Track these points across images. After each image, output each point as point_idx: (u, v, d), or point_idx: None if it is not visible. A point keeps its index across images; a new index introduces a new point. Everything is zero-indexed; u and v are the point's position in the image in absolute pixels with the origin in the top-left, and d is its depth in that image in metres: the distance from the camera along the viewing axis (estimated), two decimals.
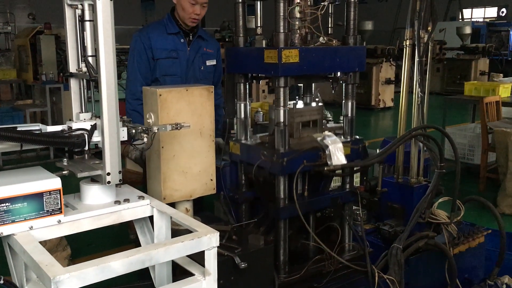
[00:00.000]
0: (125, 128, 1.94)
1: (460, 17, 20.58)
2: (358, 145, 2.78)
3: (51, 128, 1.87)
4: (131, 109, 3.19)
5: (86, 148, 1.88)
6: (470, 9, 22.29)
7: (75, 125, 1.88)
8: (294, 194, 2.50)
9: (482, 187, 5.76)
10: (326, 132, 2.65)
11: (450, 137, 3.15)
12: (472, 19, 21.29)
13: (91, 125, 1.89)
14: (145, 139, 1.95)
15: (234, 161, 2.82)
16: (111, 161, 1.87)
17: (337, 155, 2.54)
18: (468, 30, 14.41)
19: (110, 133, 1.85)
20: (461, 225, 3.26)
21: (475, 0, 21.62)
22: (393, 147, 2.79)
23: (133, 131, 1.96)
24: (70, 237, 3.61)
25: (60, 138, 1.83)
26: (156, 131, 1.98)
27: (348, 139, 2.80)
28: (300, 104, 2.83)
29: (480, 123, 5.98)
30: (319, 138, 2.60)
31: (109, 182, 1.89)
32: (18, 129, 1.72)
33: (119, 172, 1.90)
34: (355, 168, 2.82)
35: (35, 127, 1.82)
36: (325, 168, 2.54)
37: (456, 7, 20.28)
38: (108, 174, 1.88)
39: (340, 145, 2.58)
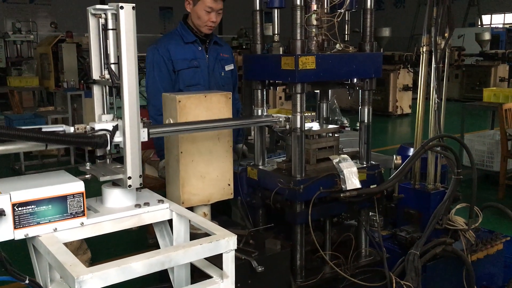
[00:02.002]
0: (146, 129, 1.99)
1: (479, 23, 20.37)
2: (374, 171, 2.80)
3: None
4: None
5: (108, 148, 1.93)
6: (489, 15, 22.05)
7: (97, 126, 1.94)
8: (310, 223, 2.53)
9: (502, 194, 5.69)
10: (343, 155, 2.69)
11: (464, 144, 3.15)
12: (492, 25, 21.05)
13: (113, 126, 1.94)
14: None
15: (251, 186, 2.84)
16: (132, 165, 1.93)
17: (352, 179, 2.58)
18: (487, 36, 14.23)
19: (132, 134, 1.90)
20: (479, 232, 3.23)
21: (494, 6, 21.37)
22: (407, 166, 2.81)
23: None
24: (90, 241, 3.70)
25: (83, 138, 1.88)
26: None
27: (364, 165, 2.82)
28: (316, 126, 2.87)
29: (499, 129, 5.92)
30: (335, 160, 2.64)
31: (130, 186, 1.94)
32: (43, 130, 1.78)
33: (140, 176, 1.95)
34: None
35: (59, 128, 1.88)
36: (341, 195, 2.57)
37: (475, 13, 20.08)
38: (129, 178, 1.93)
39: (355, 169, 2.61)
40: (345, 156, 2.69)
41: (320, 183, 2.57)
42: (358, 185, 2.59)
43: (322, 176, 2.60)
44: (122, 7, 1.83)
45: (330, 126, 2.90)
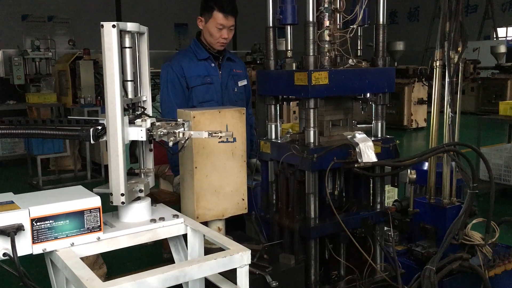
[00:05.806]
0: (140, 127, 1.90)
1: (495, 36, 20.24)
2: (389, 144, 2.75)
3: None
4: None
5: (92, 141, 1.89)
6: (505, 28, 21.89)
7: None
8: (327, 191, 2.49)
9: None
10: (357, 131, 2.63)
11: (482, 154, 3.11)
12: (507, 38, 20.89)
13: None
14: (170, 143, 1.95)
15: (264, 160, 2.83)
16: (114, 181, 1.92)
17: (368, 153, 2.51)
18: (503, 49, 14.14)
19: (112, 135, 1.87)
20: (497, 247, 3.19)
21: (510, 18, 21.24)
22: (426, 155, 2.75)
23: (161, 129, 1.92)
24: (106, 256, 3.72)
25: (65, 130, 1.88)
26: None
27: (379, 138, 2.79)
28: None
29: None
30: (349, 136, 2.58)
31: (112, 202, 1.95)
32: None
33: (122, 194, 1.92)
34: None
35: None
36: (355, 166, 2.51)
37: (490, 26, 19.96)
38: (111, 194, 1.93)
39: (371, 143, 2.55)
40: (359, 132, 2.64)
41: (334, 153, 2.53)
42: (374, 159, 2.52)
43: (336, 146, 2.57)
44: (102, 26, 1.83)
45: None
